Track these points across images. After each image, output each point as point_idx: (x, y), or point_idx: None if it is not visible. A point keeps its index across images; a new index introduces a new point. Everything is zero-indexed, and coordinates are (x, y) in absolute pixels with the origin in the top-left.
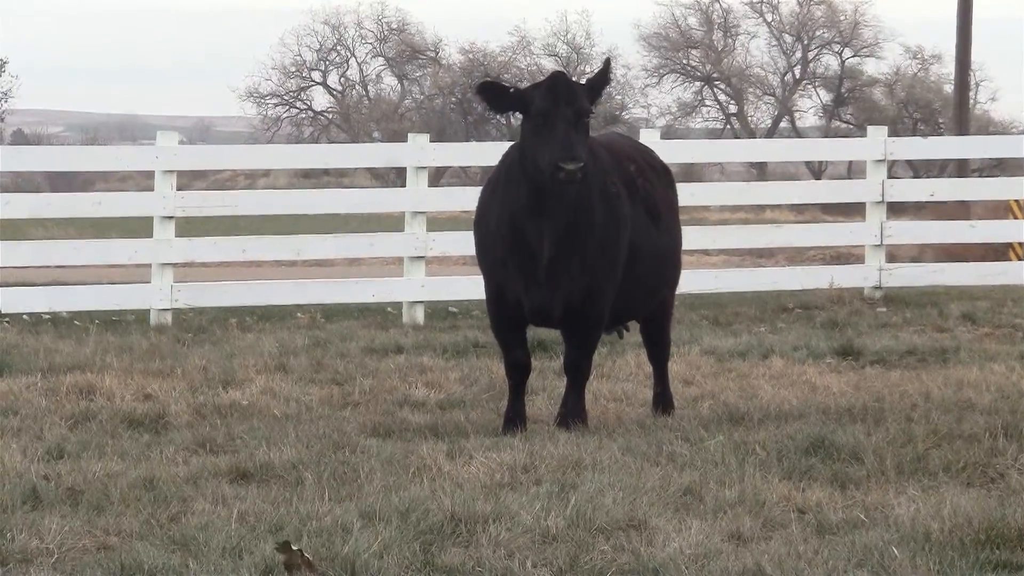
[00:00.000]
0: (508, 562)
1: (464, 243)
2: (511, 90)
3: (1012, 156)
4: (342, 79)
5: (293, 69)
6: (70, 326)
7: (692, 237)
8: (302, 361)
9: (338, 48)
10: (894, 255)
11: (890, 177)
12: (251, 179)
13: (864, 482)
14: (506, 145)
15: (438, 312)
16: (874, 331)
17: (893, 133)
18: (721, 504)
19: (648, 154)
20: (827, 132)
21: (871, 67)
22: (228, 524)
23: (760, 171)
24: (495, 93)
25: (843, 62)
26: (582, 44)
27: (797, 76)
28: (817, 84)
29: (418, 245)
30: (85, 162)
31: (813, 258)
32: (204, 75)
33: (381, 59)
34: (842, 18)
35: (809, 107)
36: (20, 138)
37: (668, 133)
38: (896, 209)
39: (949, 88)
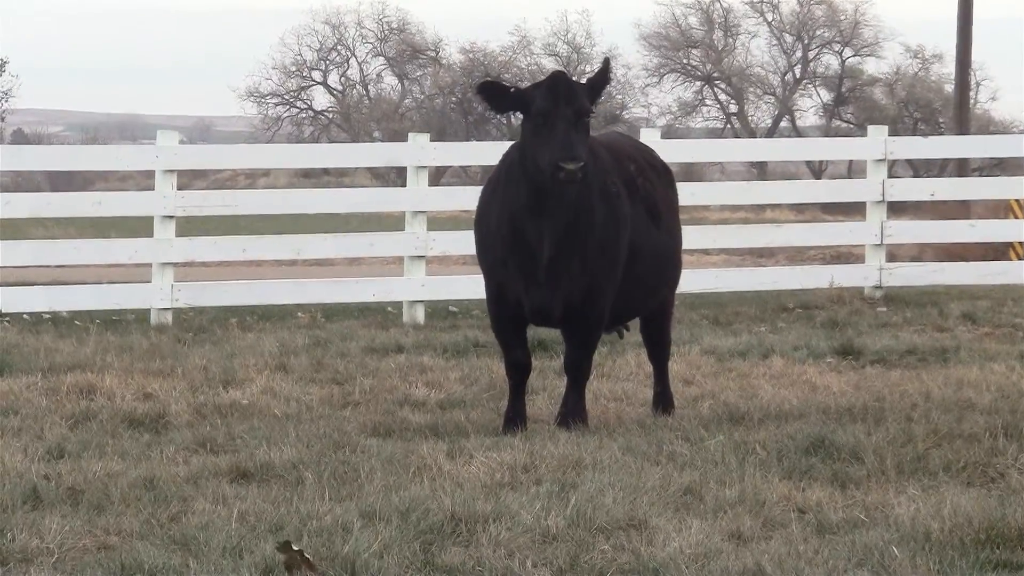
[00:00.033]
0: (508, 562)
1: (464, 242)
2: (511, 90)
3: (1012, 156)
4: (342, 79)
5: (293, 69)
6: (70, 326)
7: (692, 237)
8: (302, 361)
9: (338, 48)
10: (894, 255)
11: (890, 177)
12: (251, 179)
13: (864, 482)
14: (506, 145)
15: (438, 312)
16: (874, 331)
17: (893, 132)
18: (721, 504)
19: (648, 153)
20: (827, 132)
21: (871, 67)
22: (228, 524)
23: (760, 171)
24: (495, 93)
25: (843, 62)
26: (582, 44)
27: (797, 76)
28: (817, 84)
29: (418, 245)
30: (85, 162)
31: (813, 258)
32: (204, 75)
33: (381, 59)
34: (842, 17)
35: (809, 106)
36: (20, 137)
37: (668, 132)
38: (896, 208)
39: (949, 88)
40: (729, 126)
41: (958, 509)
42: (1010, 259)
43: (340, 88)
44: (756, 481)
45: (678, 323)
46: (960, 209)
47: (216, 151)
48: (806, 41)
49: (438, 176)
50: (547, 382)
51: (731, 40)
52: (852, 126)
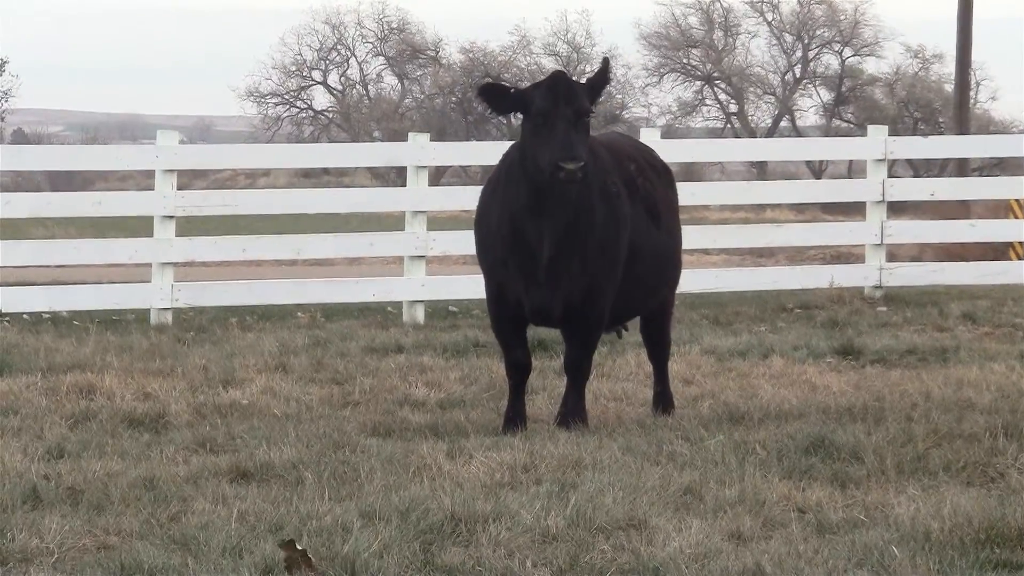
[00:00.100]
0: (508, 562)
1: (464, 242)
2: (511, 91)
3: (1012, 155)
4: (342, 78)
5: (293, 68)
6: (70, 326)
7: (692, 237)
8: (302, 361)
9: (338, 47)
10: (894, 254)
11: (890, 176)
12: (251, 178)
13: (864, 482)
14: (506, 144)
15: (438, 311)
16: (874, 330)
17: (893, 132)
18: (721, 503)
19: (648, 153)
20: (827, 131)
21: (871, 66)
22: (228, 524)
23: (760, 170)
24: (496, 94)
25: (843, 61)
26: (582, 43)
27: (797, 75)
28: (817, 83)
29: (418, 244)
30: (85, 161)
31: (813, 257)
32: (204, 75)
33: (381, 58)
34: (842, 17)
35: (809, 106)
36: (20, 137)
37: (668, 132)
38: (896, 208)
39: (949, 87)
40: (729, 126)
41: (958, 509)
42: (1010, 259)
43: (340, 88)
44: (756, 481)
45: (678, 323)
46: (960, 209)
47: (216, 151)
48: (806, 41)
49: (438, 176)
50: (547, 382)
51: (731, 40)
52: (852, 126)
